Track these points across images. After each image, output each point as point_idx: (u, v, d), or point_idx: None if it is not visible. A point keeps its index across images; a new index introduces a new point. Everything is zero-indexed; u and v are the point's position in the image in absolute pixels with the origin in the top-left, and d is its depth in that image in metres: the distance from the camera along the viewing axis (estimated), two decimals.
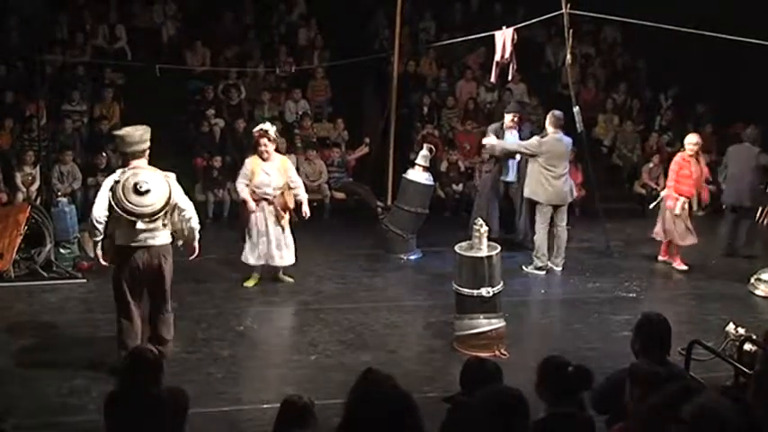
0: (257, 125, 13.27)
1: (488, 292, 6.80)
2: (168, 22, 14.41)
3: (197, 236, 6.43)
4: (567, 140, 9.56)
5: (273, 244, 8.45)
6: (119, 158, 11.45)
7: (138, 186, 6.02)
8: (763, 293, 8.75)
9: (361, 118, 14.09)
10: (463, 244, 7.07)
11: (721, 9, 11.91)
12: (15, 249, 8.63)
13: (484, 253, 6.88)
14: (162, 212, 6.11)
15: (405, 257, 10.01)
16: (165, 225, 6.20)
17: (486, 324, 6.82)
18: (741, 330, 6.61)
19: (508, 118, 10.34)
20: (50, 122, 11.80)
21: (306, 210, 8.60)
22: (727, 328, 6.79)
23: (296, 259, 8.66)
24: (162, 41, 14.25)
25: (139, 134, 6.26)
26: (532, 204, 9.67)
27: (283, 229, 8.48)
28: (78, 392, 5.99)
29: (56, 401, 5.86)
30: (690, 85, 14.72)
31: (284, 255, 8.56)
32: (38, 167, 10.88)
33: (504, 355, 6.74)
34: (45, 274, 8.78)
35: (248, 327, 7.54)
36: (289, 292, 8.57)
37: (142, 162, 6.24)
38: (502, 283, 6.96)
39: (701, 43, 10.38)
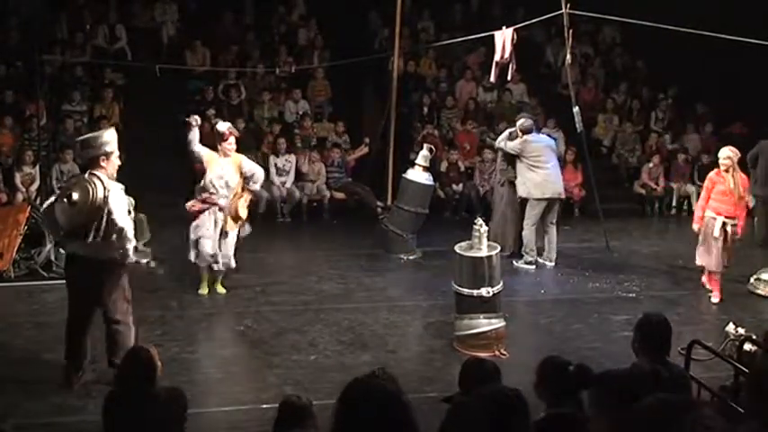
0: (257, 125, 13.37)
1: (488, 292, 6.80)
2: (168, 22, 14.41)
3: (122, 250, 5.88)
4: (547, 138, 9.90)
5: (217, 247, 8.10)
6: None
7: (66, 198, 5.76)
8: (763, 293, 8.75)
9: (361, 118, 14.10)
10: (463, 244, 7.08)
11: (721, 9, 11.90)
12: (15, 249, 8.64)
13: (484, 253, 6.88)
14: (84, 228, 5.75)
15: (404, 257, 10.01)
16: (97, 239, 5.77)
17: (486, 324, 6.82)
18: (741, 330, 6.62)
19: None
20: (50, 122, 11.80)
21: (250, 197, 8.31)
22: (727, 328, 6.79)
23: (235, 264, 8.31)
24: (162, 41, 14.25)
25: (95, 139, 5.93)
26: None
27: (226, 236, 8.12)
28: (78, 392, 5.97)
29: (56, 401, 5.86)
30: (690, 86, 14.72)
31: (221, 262, 8.19)
32: (37, 167, 10.89)
33: (504, 355, 6.74)
34: (45, 274, 8.79)
35: (248, 327, 7.54)
36: (288, 292, 8.57)
37: (99, 171, 5.85)
38: (502, 283, 6.96)
39: (701, 43, 10.38)
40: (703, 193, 8.59)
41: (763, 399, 3.03)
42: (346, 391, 2.89)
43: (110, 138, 5.95)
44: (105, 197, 5.73)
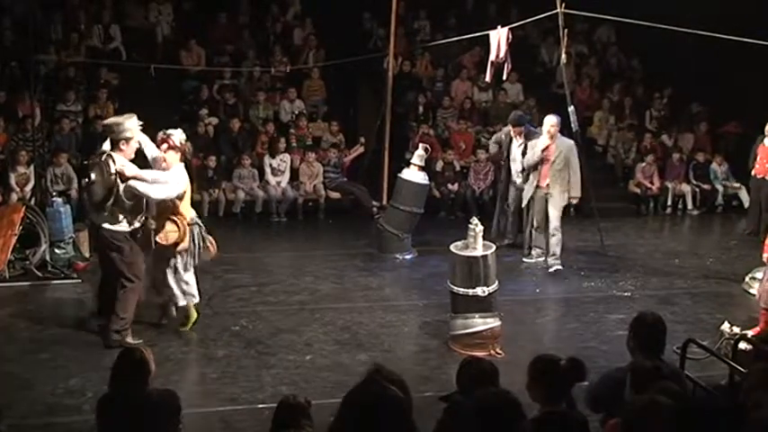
0: (252, 125, 13.32)
1: (483, 292, 6.80)
2: (163, 21, 14.39)
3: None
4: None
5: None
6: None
7: (84, 179, 6.73)
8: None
9: (357, 118, 14.09)
10: (458, 243, 7.07)
11: (719, 9, 11.91)
12: (10, 249, 8.61)
13: (479, 252, 6.88)
14: (103, 204, 6.53)
15: (400, 257, 10.00)
16: (114, 213, 6.59)
17: (482, 323, 6.82)
18: (736, 329, 6.64)
19: (511, 129, 10.17)
20: (44, 122, 11.76)
21: None
22: (722, 327, 6.81)
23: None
24: (157, 41, 14.22)
25: (117, 125, 6.65)
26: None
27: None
28: (73, 393, 5.97)
29: (51, 402, 5.85)
30: (684, 85, 14.74)
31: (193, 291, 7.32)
32: (32, 167, 10.86)
33: (500, 354, 6.74)
34: (40, 275, 8.76)
35: (244, 326, 7.53)
36: (284, 292, 8.56)
37: (117, 153, 6.55)
38: (497, 283, 6.97)
39: (696, 43, 10.39)
40: None
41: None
42: (354, 396, 2.87)
43: (131, 125, 6.66)
44: (117, 172, 6.44)
